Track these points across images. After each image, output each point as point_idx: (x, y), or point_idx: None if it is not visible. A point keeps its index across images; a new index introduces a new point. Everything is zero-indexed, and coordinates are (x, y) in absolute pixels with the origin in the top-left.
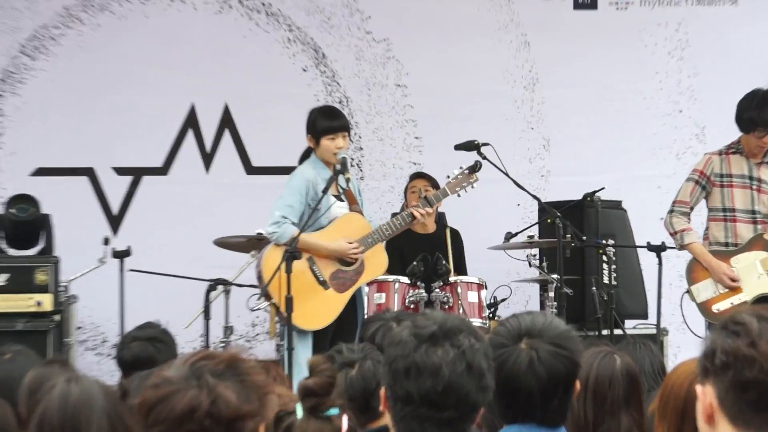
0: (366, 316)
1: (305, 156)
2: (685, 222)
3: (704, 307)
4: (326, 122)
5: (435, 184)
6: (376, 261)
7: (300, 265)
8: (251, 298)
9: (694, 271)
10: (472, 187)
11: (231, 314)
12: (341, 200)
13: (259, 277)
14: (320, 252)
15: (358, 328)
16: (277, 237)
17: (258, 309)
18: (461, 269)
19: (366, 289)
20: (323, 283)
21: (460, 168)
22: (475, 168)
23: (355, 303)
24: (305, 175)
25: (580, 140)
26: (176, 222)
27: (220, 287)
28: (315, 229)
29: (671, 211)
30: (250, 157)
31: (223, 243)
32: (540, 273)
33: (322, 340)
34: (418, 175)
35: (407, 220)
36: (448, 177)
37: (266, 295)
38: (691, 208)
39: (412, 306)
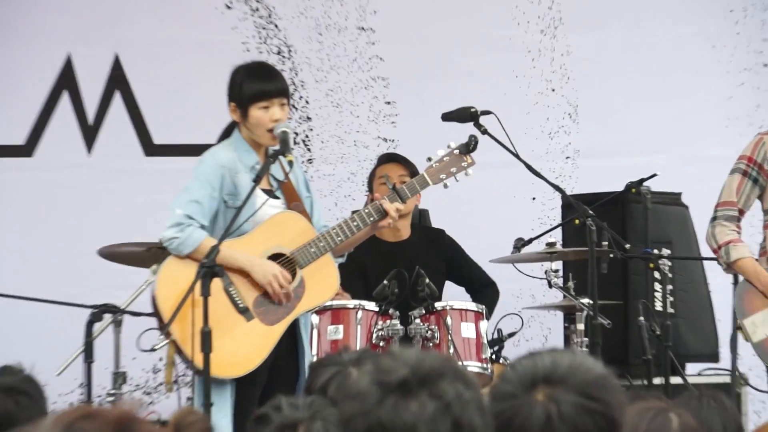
0: (314, 359)
1: (228, 133)
2: (732, 231)
3: (764, 348)
4: (257, 84)
5: (414, 171)
6: (323, 280)
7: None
8: (146, 333)
9: (748, 298)
10: (466, 173)
11: (123, 355)
12: (275, 197)
13: (154, 303)
14: (236, 268)
15: (301, 374)
16: (178, 245)
17: (158, 348)
18: (473, 280)
19: (315, 319)
20: (244, 312)
21: (448, 147)
22: (469, 146)
23: (295, 340)
24: (218, 160)
25: (622, 107)
26: (45, 224)
27: (108, 317)
28: (234, 237)
29: (713, 219)
30: (150, 131)
31: (112, 254)
32: (564, 296)
33: (248, 392)
34: (389, 158)
35: (370, 219)
36: (430, 160)
37: (164, 328)
38: (741, 211)
39: (381, 343)
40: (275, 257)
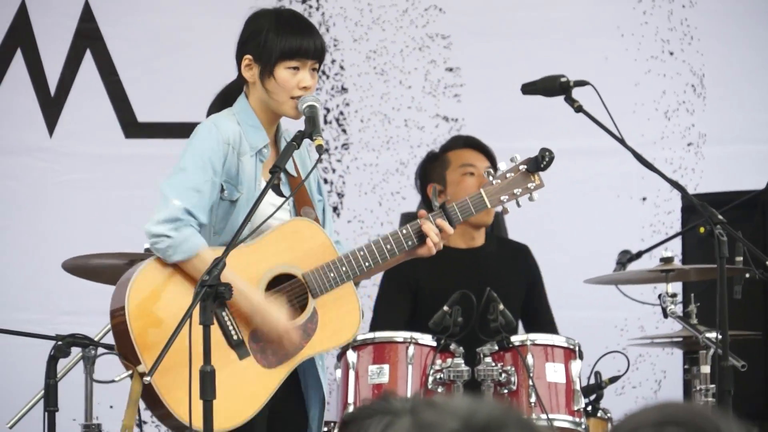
0: (351, 409)
1: (225, 100)
2: None
3: None
4: (290, 38)
5: (495, 165)
6: (342, 316)
7: (166, 323)
8: (103, 357)
9: None
10: (530, 197)
11: (97, 402)
12: (280, 194)
13: (120, 319)
14: (241, 305)
15: (312, 427)
16: (168, 247)
17: (119, 380)
18: (538, 320)
19: (352, 356)
20: (238, 346)
21: (513, 160)
22: (539, 163)
23: (299, 385)
24: (223, 134)
25: (764, 77)
26: None
27: (76, 351)
28: (221, 244)
29: None
30: (132, 106)
31: (82, 268)
32: (684, 328)
33: None
34: (468, 143)
35: (408, 244)
36: (490, 176)
37: (126, 356)
38: None
39: (440, 389)
40: (283, 279)
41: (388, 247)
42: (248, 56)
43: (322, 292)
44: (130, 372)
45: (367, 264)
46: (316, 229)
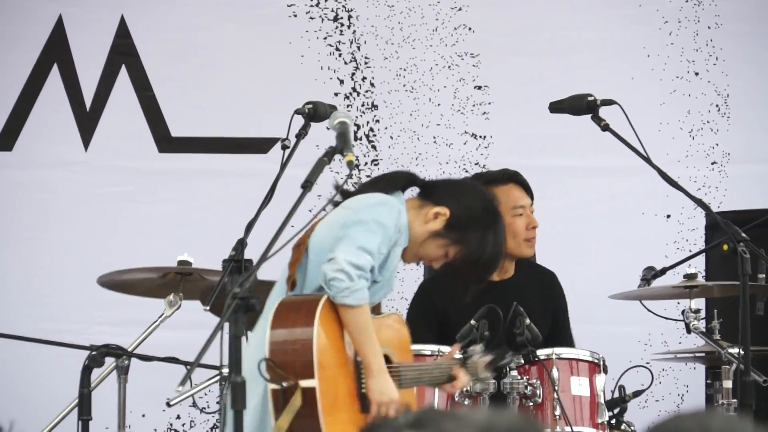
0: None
1: (390, 184)
2: None
3: None
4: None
5: (532, 199)
6: None
7: (342, 349)
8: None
9: None
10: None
11: (130, 411)
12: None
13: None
14: (370, 363)
15: None
16: (344, 289)
17: (173, 403)
18: (563, 340)
19: None
20: (363, 399)
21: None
22: (495, 363)
23: None
24: (401, 222)
25: None
26: (28, 239)
27: (110, 361)
28: None
29: None
30: (166, 120)
31: (117, 283)
32: (707, 343)
33: None
34: (512, 178)
35: (443, 377)
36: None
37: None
38: None
39: (466, 402)
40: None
41: (437, 373)
42: (447, 210)
43: (404, 386)
44: (187, 393)
45: (426, 379)
46: (406, 328)
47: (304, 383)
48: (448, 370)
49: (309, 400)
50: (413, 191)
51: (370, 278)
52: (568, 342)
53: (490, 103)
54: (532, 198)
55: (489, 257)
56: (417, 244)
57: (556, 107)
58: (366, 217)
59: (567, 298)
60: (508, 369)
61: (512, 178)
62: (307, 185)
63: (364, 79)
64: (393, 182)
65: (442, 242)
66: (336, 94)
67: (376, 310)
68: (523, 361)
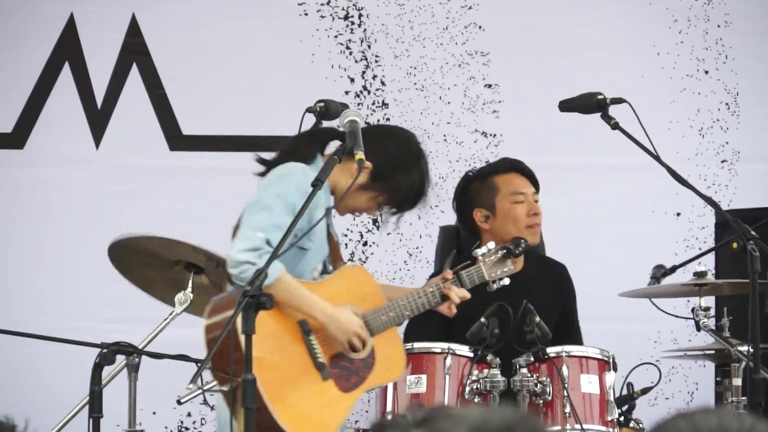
0: (376, 419)
1: (306, 145)
2: None
3: None
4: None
5: (537, 189)
6: (392, 357)
7: (287, 326)
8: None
9: None
10: (504, 281)
11: (140, 408)
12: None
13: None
14: (315, 316)
15: None
16: (249, 273)
17: (184, 401)
18: (570, 334)
19: None
20: (321, 368)
21: (490, 248)
22: (513, 251)
23: None
24: (307, 184)
25: None
26: (39, 236)
27: (121, 359)
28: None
29: None
30: (177, 118)
31: (127, 249)
32: (716, 341)
33: None
34: (515, 167)
35: (434, 302)
36: (483, 255)
37: (217, 372)
38: None
39: (476, 399)
40: None
41: (421, 301)
42: (370, 163)
43: (377, 332)
44: (205, 387)
45: (407, 313)
46: (368, 275)
47: (244, 378)
48: (438, 291)
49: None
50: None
51: (272, 249)
52: (576, 336)
53: (500, 102)
54: (537, 188)
55: (417, 195)
56: (346, 198)
57: (566, 106)
58: (259, 197)
59: (577, 296)
60: (518, 366)
61: (513, 166)
62: (317, 183)
63: (374, 77)
64: (313, 144)
65: (371, 194)
66: (346, 93)
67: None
68: (533, 359)
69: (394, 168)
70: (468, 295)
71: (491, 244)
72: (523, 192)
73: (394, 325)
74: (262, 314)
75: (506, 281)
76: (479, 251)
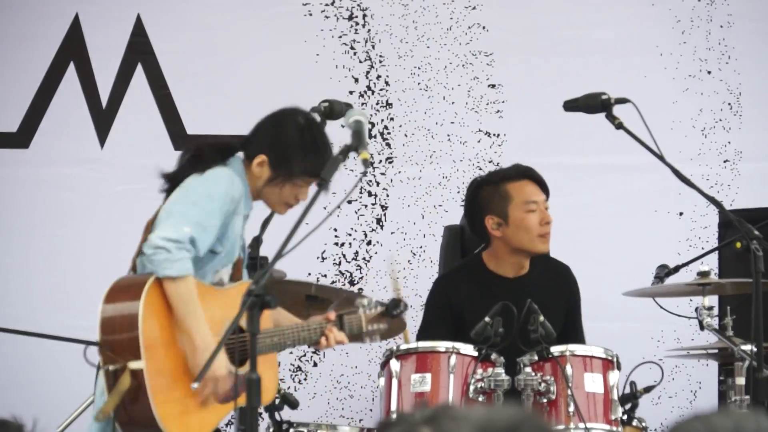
0: (381, 418)
1: (221, 153)
2: None
3: None
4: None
5: (548, 196)
6: (265, 378)
7: (167, 330)
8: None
9: None
10: (379, 339)
11: None
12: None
13: (119, 325)
14: (192, 337)
15: None
16: (164, 260)
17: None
18: (574, 335)
19: (395, 366)
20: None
21: (369, 304)
22: (391, 311)
23: None
24: (236, 190)
25: None
26: (45, 236)
27: None
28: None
29: None
30: (182, 118)
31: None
32: (720, 340)
33: None
34: (526, 174)
35: (314, 338)
36: (363, 307)
37: (120, 351)
38: None
39: (480, 398)
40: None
41: (304, 334)
42: (264, 156)
43: (258, 353)
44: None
45: (288, 343)
46: None
47: (133, 365)
48: (320, 329)
49: (138, 382)
50: None
51: (195, 247)
52: (578, 337)
53: (503, 102)
54: (547, 194)
55: (322, 163)
56: (266, 198)
57: (571, 106)
58: (189, 191)
59: (581, 296)
60: (522, 365)
61: (525, 173)
62: (323, 182)
63: (378, 77)
64: (222, 153)
65: (280, 185)
66: (351, 93)
67: (235, 278)
68: (537, 358)
69: (289, 151)
70: (346, 341)
71: (371, 300)
72: (536, 201)
73: (275, 351)
74: (160, 306)
75: (377, 339)
76: (362, 301)
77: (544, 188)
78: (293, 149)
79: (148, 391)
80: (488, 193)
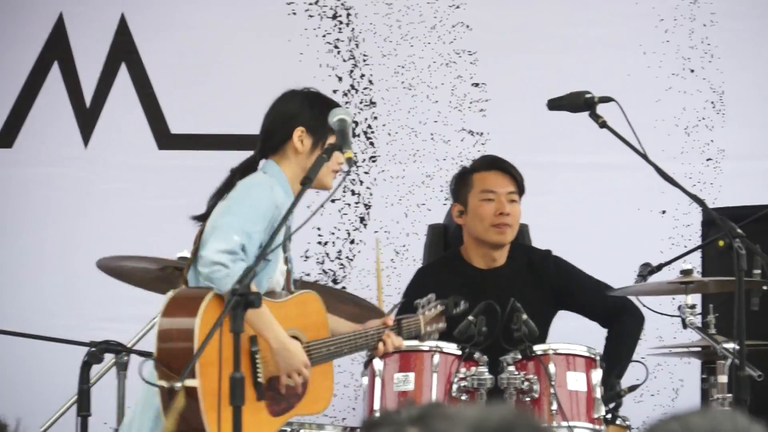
0: (365, 417)
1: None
2: None
3: None
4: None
5: (522, 190)
6: (322, 390)
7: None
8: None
9: None
10: (430, 338)
11: (129, 407)
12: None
13: (181, 339)
14: (268, 339)
15: None
16: (224, 276)
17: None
18: (600, 311)
19: (379, 365)
20: (258, 387)
21: (429, 302)
22: (450, 310)
23: None
24: (276, 197)
25: None
26: (27, 235)
27: (110, 357)
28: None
29: None
30: (165, 117)
31: (114, 269)
32: (702, 338)
33: None
34: (494, 164)
35: (371, 344)
36: (424, 308)
37: (176, 369)
38: None
39: (464, 396)
40: None
41: (361, 341)
42: (301, 127)
43: (316, 363)
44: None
45: (345, 351)
46: (321, 306)
47: (187, 383)
48: (377, 335)
49: (192, 400)
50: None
51: (247, 254)
52: (601, 294)
53: (487, 100)
54: (519, 188)
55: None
56: (316, 172)
57: (555, 104)
58: (230, 202)
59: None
60: (505, 364)
61: (493, 164)
62: (306, 182)
63: (362, 76)
64: (251, 167)
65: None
66: (335, 91)
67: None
68: (520, 357)
69: (312, 109)
70: (403, 346)
71: (430, 299)
72: (494, 190)
73: (333, 359)
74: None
75: (435, 339)
76: (420, 301)
77: (515, 181)
78: (316, 103)
79: (201, 410)
80: (457, 182)
